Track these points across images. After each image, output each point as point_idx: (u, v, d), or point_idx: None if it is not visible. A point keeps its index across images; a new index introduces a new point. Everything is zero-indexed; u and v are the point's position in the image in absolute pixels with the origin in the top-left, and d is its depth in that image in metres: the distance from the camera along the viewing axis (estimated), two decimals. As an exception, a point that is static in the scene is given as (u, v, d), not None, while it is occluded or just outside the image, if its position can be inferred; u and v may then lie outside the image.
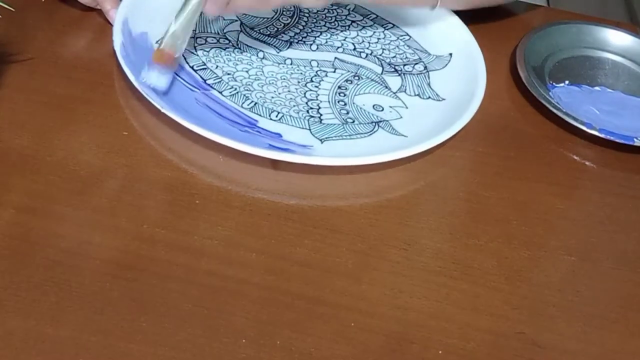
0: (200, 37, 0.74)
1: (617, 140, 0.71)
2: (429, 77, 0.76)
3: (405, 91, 0.74)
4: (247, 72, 0.72)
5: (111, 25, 0.70)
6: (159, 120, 0.64)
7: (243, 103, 0.69)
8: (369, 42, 0.78)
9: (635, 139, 0.71)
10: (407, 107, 0.72)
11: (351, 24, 0.80)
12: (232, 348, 0.52)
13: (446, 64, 0.77)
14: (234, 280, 0.55)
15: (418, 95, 0.74)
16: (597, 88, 0.78)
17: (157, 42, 0.67)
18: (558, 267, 0.61)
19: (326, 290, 0.56)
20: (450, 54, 0.78)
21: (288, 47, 0.75)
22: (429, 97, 0.74)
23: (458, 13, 0.79)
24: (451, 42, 0.78)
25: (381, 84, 0.74)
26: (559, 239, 0.64)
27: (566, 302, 0.59)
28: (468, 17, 0.79)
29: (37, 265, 0.54)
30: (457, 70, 0.75)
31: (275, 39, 0.76)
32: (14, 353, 0.49)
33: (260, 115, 0.68)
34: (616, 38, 0.82)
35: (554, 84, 0.77)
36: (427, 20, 0.80)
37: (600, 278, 0.61)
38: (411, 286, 0.57)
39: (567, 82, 0.78)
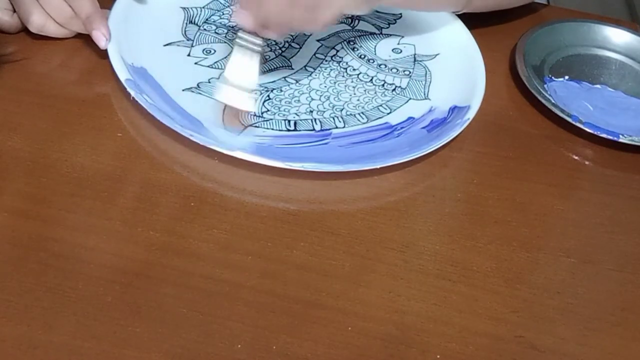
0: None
1: (602, 135, 0.70)
2: None
3: (382, 27, 0.77)
4: (311, 101, 0.69)
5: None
6: (153, 122, 0.63)
7: (362, 122, 0.68)
8: None
9: (620, 136, 0.70)
10: (403, 36, 0.76)
11: None
12: (228, 353, 0.51)
13: None
14: (230, 284, 0.55)
15: (388, 24, 0.78)
16: (597, 86, 0.78)
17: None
18: (557, 269, 0.61)
19: (323, 293, 0.56)
20: None
21: (288, 61, 0.72)
22: (396, 21, 0.78)
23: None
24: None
25: (366, 34, 0.76)
26: (558, 241, 0.63)
27: (565, 305, 0.58)
28: (467, 17, 0.78)
29: (30, 270, 0.53)
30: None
31: (272, 62, 0.72)
32: (6, 359, 0.49)
33: (379, 118, 0.68)
34: (617, 36, 0.82)
35: (552, 77, 0.76)
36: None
37: (600, 280, 0.61)
38: (409, 289, 0.57)
39: (566, 77, 0.77)
